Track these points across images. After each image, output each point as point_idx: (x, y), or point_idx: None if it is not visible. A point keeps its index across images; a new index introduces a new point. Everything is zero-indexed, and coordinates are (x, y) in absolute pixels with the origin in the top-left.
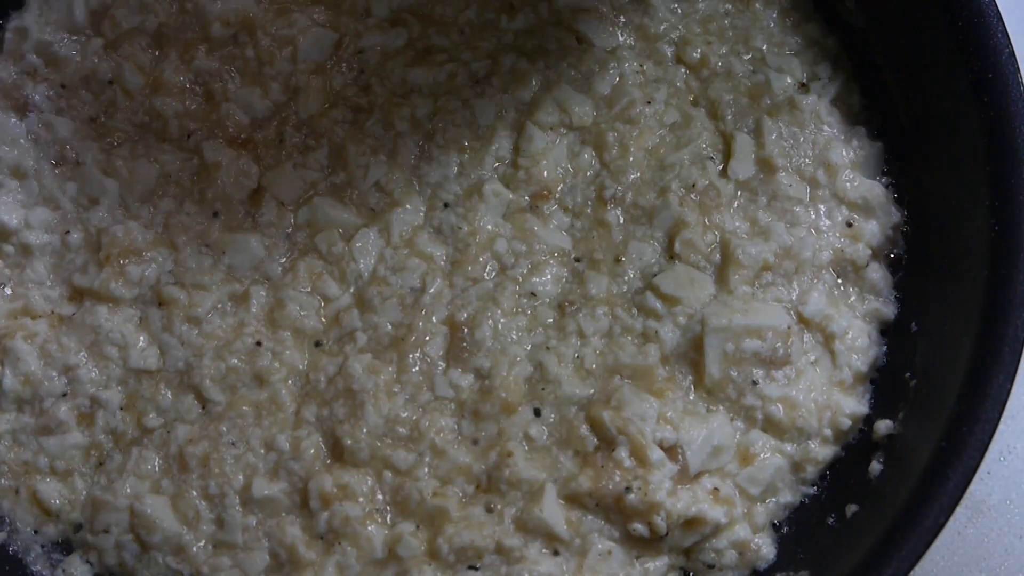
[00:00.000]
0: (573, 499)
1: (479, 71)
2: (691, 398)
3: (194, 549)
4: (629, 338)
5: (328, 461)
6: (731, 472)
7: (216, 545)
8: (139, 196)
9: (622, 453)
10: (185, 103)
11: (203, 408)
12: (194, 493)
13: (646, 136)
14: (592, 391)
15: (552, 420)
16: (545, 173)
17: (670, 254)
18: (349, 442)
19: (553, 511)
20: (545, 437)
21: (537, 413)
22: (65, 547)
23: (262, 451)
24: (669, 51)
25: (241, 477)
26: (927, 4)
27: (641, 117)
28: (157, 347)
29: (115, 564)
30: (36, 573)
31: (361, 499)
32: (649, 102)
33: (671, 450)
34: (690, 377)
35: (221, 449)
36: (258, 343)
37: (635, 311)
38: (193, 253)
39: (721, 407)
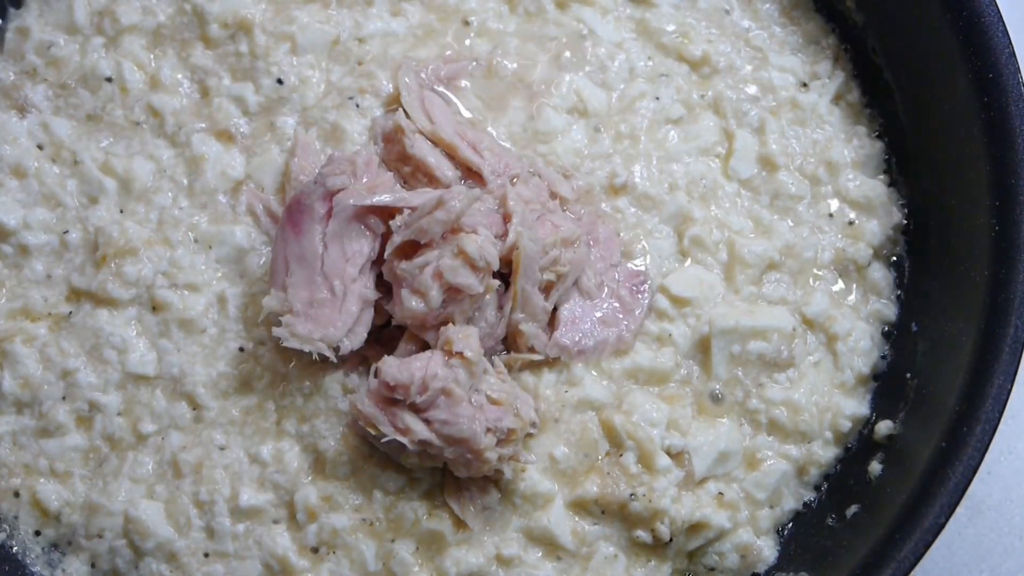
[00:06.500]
0: (579, 506)
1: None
2: (699, 402)
3: (186, 557)
4: (646, 340)
5: (312, 474)
6: (737, 477)
7: (208, 553)
8: (136, 193)
9: (630, 458)
10: (181, 99)
11: (196, 414)
12: (186, 499)
13: (654, 129)
14: (608, 395)
15: (570, 426)
16: (562, 160)
17: (680, 251)
18: (332, 457)
19: (559, 520)
20: (563, 445)
21: (556, 420)
22: (64, 549)
23: (246, 460)
24: (672, 47)
25: (229, 485)
26: (927, 4)
27: (649, 111)
28: (155, 352)
29: (108, 570)
30: (36, 573)
31: (348, 510)
32: (658, 98)
33: (678, 456)
34: (699, 380)
35: (213, 456)
36: (240, 348)
37: (651, 314)
38: (186, 252)
39: (728, 411)
